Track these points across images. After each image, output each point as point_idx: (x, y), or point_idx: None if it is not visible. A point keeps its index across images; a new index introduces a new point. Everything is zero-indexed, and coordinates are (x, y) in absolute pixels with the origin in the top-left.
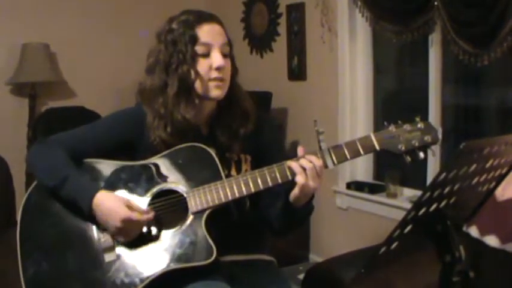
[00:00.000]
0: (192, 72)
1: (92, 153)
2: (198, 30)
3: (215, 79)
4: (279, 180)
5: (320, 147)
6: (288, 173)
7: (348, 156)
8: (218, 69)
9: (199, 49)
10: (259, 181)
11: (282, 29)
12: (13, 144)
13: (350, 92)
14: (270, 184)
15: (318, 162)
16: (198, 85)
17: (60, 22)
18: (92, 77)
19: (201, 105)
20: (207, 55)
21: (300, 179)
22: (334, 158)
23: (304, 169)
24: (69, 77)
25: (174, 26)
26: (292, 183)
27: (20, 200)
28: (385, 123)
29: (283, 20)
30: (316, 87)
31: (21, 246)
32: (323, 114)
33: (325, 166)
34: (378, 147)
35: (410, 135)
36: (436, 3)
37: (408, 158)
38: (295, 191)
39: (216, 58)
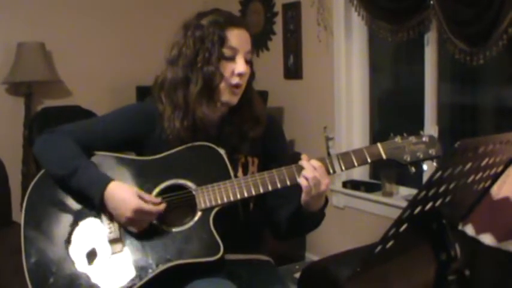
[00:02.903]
0: (218, 74)
1: (99, 147)
2: (227, 33)
3: (234, 85)
4: (288, 183)
5: (329, 153)
6: (297, 176)
7: (356, 164)
8: (240, 75)
9: (225, 52)
10: (267, 182)
11: (278, 27)
12: (9, 144)
13: (346, 91)
14: (279, 186)
15: (318, 164)
16: (220, 88)
17: (56, 21)
18: (88, 76)
19: (216, 106)
20: (231, 59)
21: (303, 181)
22: (342, 164)
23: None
24: (65, 76)
25: (204, 22)
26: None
27: (16, 199)
28: (391, 134)
29: (279, 19)
30: (312, 86)
31: (25, 233)
32: (319, 113)
33: (333, 171)
34: (384, 156)
35: (415, 147)
36: (431, 2)
37: (412, 169)
38: (302, 195)
39: (240, 64)
